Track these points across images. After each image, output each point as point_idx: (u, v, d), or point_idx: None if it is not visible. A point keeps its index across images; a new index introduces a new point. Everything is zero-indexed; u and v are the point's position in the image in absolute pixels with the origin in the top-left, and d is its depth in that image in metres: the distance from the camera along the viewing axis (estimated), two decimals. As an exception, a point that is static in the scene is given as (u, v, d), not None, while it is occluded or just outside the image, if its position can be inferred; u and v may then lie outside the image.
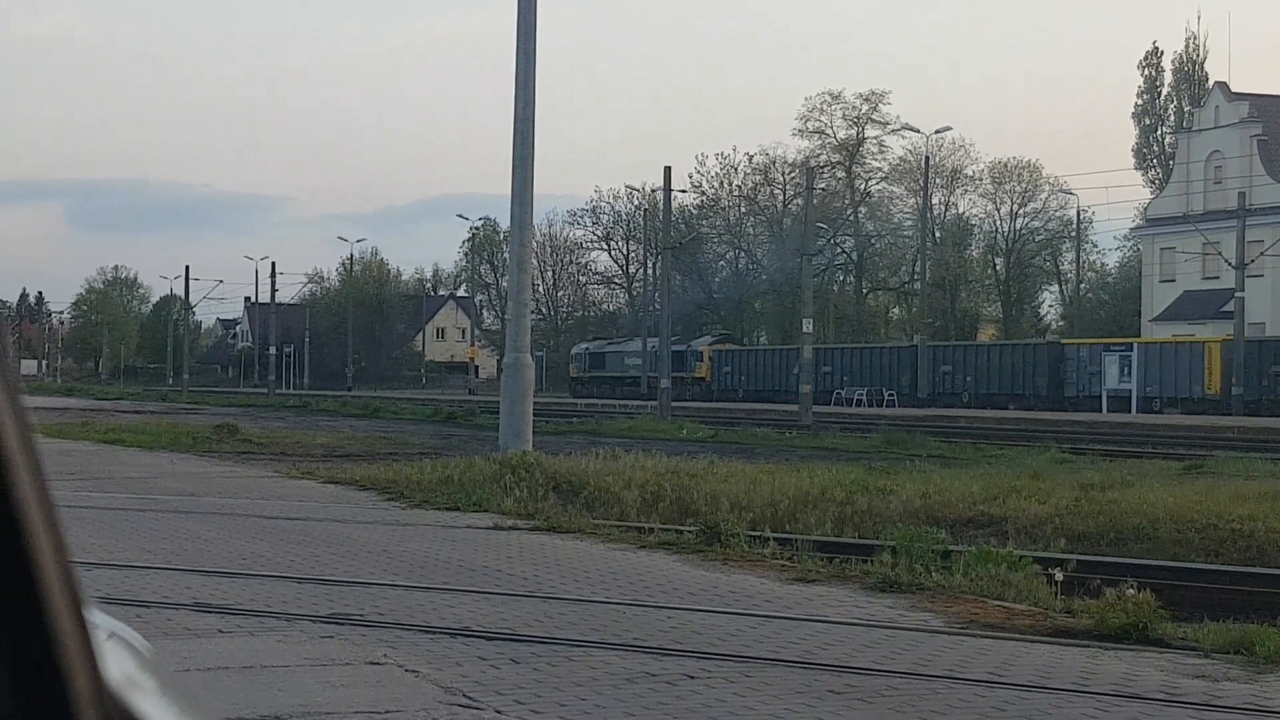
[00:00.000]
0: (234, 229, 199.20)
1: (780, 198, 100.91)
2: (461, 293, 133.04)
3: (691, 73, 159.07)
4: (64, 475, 19.85)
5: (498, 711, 6.86)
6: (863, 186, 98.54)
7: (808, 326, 53.29)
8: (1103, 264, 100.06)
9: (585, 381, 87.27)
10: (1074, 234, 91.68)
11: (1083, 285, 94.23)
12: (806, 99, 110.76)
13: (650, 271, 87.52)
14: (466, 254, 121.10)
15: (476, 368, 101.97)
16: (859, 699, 7.23)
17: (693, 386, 78.44)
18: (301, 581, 10.77)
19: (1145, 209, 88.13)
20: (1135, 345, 64.89)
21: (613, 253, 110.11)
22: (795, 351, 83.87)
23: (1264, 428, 43.94)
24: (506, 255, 70.33)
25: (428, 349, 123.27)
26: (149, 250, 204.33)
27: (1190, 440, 38.92)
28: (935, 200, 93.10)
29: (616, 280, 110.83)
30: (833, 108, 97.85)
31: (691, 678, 7.61)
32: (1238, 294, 59.65)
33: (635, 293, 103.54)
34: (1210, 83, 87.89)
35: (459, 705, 6.98)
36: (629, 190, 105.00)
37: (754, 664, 7.97)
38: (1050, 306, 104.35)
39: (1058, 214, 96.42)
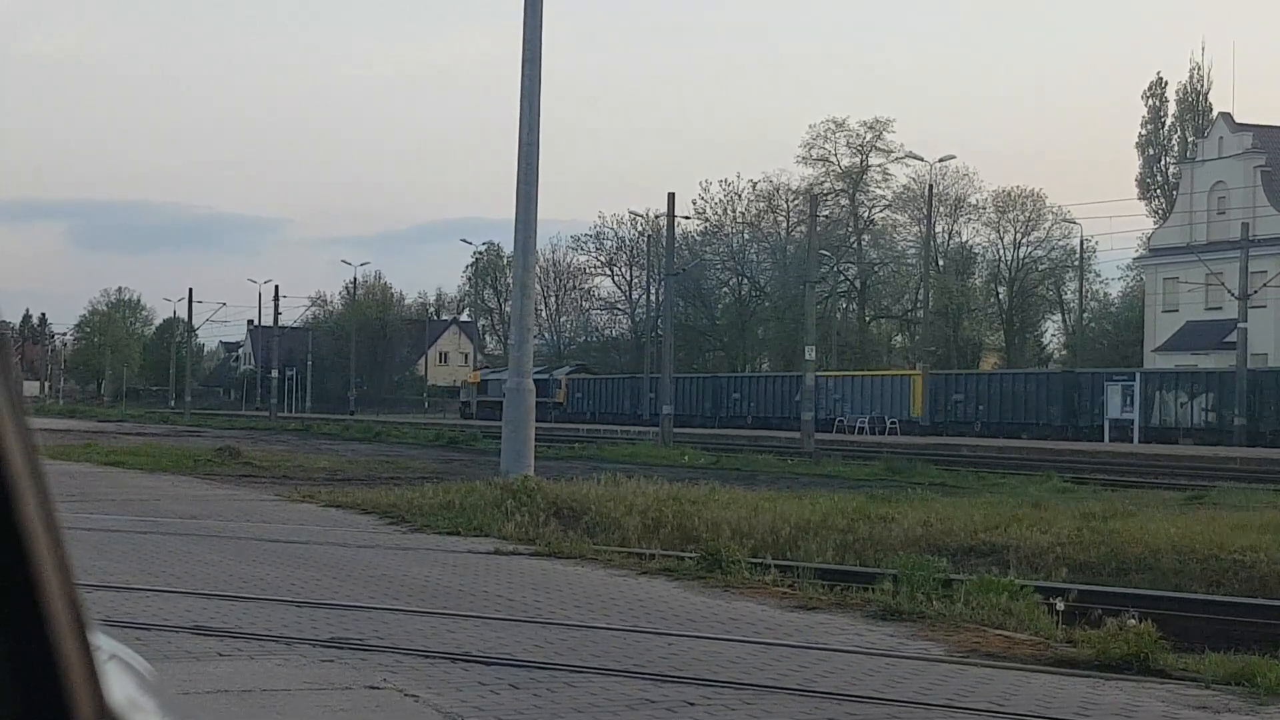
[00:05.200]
0: (237, 251, 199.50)
1: (784, 225, 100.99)
2: (464, 317, 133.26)
3: (696, 99, 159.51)
4: (66, 497, 19.83)
5: (497, 737, 6.85)
6: (866, 214, 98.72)
7: (810, 354, 53.33)
8: (1106, 293, 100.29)
9: (472, 405, 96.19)
10: (1077, 263, 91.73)
11: (1086, 315, 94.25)
12: (811, 126, 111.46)
13: (653, 297, 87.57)
14: (470, 278, 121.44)
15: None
16: (859, 727, 7.21)
17: (553, 410, 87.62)
18: (301, 605, 10.75)
19: (1149, 239, 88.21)
20: (853, 377, 77.29)
21: (615, 278, 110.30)
22: (635, 379, 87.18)
23: (1266, 459, 43.92)
24: (510, 280, 70.56)
25: (430, 373, 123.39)
26: (152, 271, 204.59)
27: (1193, 471, 38.89)
28: (938, 228, 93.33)
29: (619, 306, 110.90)
30: (837, 135, 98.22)
31: (691, 704, 7.59)
32: (1240, 324, 59.68)
33: (638, 318, 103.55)
34: (1214, 113, 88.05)
35: (458, 730, 6.97)
36: (632, 216, 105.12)
37: (754, 691, 7.95)
38: (1053, 336, 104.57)
39: (1061, 243, 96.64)
